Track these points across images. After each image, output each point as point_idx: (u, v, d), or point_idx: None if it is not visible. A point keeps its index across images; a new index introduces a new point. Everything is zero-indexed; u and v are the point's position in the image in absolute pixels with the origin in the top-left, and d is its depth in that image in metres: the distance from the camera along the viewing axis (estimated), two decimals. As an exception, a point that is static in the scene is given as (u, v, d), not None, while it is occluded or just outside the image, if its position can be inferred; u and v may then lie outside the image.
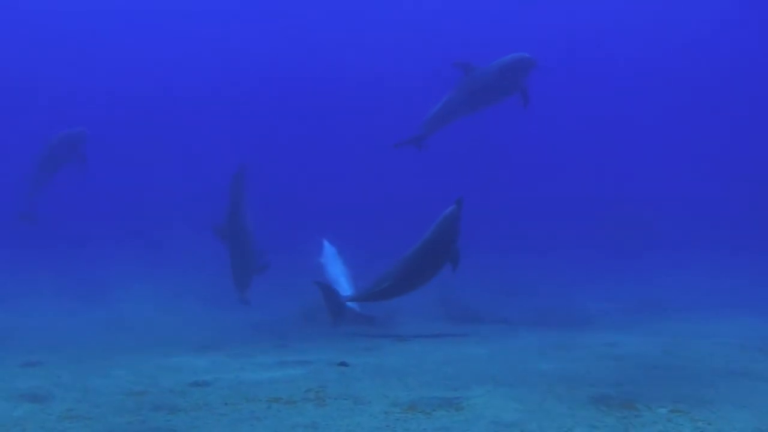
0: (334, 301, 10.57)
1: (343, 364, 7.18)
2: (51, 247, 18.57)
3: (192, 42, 33.25)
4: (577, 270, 17.97)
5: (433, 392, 5.75)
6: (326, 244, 13.08)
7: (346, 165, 30.45)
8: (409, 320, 12.15)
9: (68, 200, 20.73)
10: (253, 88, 33.19)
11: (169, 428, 4.85)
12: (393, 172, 28.99)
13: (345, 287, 12.16)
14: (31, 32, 30.94)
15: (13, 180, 16.03)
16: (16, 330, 10.20)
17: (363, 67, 33.62)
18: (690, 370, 6.61)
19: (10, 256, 16.50)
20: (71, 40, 31.12)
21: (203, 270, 13.52)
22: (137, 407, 5.39)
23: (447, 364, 7.12)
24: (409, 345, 8.96)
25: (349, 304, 11.88)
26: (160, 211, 19.81)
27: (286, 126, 32.64)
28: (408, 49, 32.36)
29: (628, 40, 33.76)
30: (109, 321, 10.48)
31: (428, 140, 12.57)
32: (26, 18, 31.51)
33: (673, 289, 15.38)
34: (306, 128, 32.47)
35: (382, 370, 6.87)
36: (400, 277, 9.60)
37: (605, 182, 29.07)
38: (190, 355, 8.17)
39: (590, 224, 22.89)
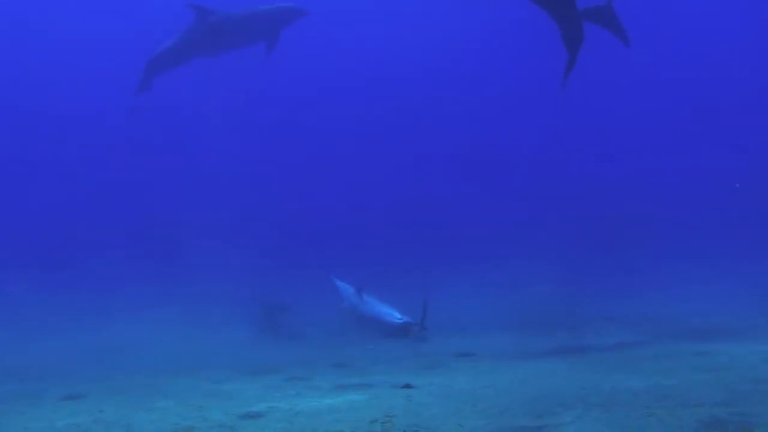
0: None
1: (407, 386, 6.54)
2: (69, 268, 18.22)
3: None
4: (619, 272, 17.04)
5: (515, 420, 5.05)
6: (340, 285, 12.85)
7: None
8: (471, 331, 11.41)
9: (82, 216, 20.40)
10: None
11: (219, 473, 4.25)
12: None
13: (381, 310, 11.71)
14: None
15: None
16: (55, 358, 9.73)
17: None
18: (806, 384, 5.79)
19: (30, 278, 16.13)
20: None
21: (229, 288, 12.99)
22: (183, 447, 4.81)
23: (524, 384, 6.40)
24: (476, 362, 8.25)
25: (398, 320, 11.33)
26: (179, 227, 19.28)
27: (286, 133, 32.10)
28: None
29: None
30: (150, 345, 9.94)
31: None
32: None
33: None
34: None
35: (452, 393, 6.19)
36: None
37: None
38: (241, 380, 7.59)
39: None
